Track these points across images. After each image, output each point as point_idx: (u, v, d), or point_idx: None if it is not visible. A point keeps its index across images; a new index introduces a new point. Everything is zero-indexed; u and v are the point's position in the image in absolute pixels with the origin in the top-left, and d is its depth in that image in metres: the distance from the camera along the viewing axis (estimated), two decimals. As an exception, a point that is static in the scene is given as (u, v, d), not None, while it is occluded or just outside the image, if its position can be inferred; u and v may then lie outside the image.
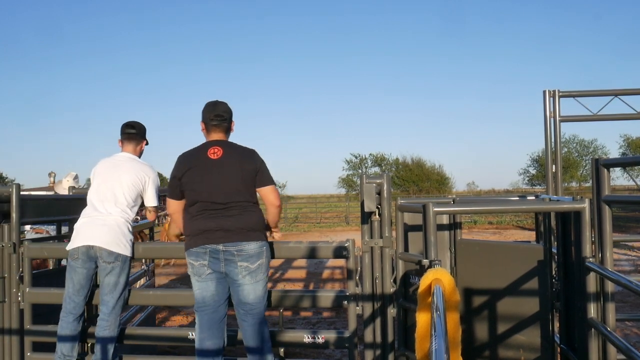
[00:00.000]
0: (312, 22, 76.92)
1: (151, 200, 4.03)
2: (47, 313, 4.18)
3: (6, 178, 44.89)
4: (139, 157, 4.14)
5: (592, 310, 3.06)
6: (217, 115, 3.59)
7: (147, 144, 4.22)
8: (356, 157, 53.78)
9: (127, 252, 3.83)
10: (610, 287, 3.04)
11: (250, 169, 3.50)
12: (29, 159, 73.35)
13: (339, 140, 78.56)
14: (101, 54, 75.88)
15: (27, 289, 4.08)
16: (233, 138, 3.72)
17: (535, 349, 3.55)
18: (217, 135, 3.62)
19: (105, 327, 3.80)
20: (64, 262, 5.10)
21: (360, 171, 51.14)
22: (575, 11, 70.91)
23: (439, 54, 75.42)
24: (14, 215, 4.10)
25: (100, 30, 74.68)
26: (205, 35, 77.63)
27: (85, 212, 3.92)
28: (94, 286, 3.97)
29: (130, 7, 75.50)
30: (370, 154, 54.06)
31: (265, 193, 3.56)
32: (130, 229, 3.90)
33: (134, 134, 4.07)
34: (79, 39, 74.15)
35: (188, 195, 3.54)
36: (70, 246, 3.85)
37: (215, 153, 3.52)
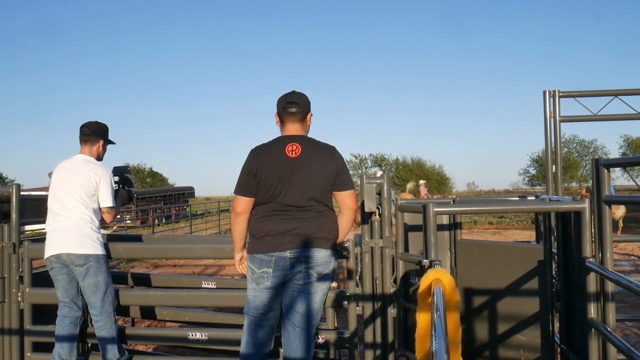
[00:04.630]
0: (310, 19, 76.95)
1: (105, 201, 3.90)
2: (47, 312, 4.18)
3: (6, 178, 44.88)
4: (99, 157, 4.05)
5: (592, 311, 3.06)
6: (290, 103, 3.28)
7: (110, 143, 4.12)
8: (356, 157, 53.70)
9: (97, 250, 3.80)
10: (610, 287, 3.04)
11: (332, 170, 3.23)
12: (29, 159, 73.32)
13: (339, 140, 78.55)
14: (101, 53, 75.86)
15: (27, 289, 4.08)
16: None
17: (536, 349, 3.55)
18: (293, 129, 3.30)
19: (101, 327, 3.82)
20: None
21: (360, 171, 51.01)
22: (575, 11, 70.85)
23: (439, 54, 75.31)
24: (14, 215, 4.10)
25: (100, 29, 74.73)
26: (205, 33, 77.61)
27: (47, 221, 3.91)
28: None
29: (129, 6, 75.54)
30: (370, 154, 53.99)
31: (343, 197, 3.30)
32: (95, 228, 3.85)
33: (87, 134, 4.00)
34: (79, 39, 74.14)
35: (259, 194, 3.21)
36: (44, 256, 3.86)
37: (293, 150, 3.19)
